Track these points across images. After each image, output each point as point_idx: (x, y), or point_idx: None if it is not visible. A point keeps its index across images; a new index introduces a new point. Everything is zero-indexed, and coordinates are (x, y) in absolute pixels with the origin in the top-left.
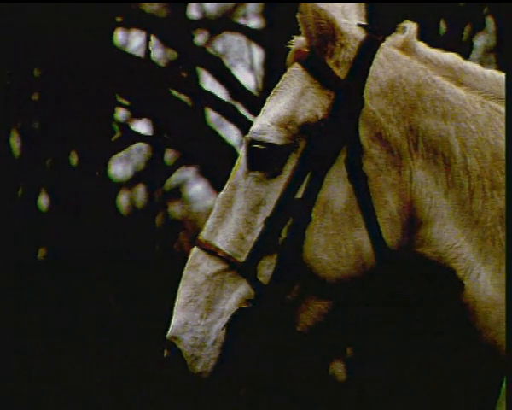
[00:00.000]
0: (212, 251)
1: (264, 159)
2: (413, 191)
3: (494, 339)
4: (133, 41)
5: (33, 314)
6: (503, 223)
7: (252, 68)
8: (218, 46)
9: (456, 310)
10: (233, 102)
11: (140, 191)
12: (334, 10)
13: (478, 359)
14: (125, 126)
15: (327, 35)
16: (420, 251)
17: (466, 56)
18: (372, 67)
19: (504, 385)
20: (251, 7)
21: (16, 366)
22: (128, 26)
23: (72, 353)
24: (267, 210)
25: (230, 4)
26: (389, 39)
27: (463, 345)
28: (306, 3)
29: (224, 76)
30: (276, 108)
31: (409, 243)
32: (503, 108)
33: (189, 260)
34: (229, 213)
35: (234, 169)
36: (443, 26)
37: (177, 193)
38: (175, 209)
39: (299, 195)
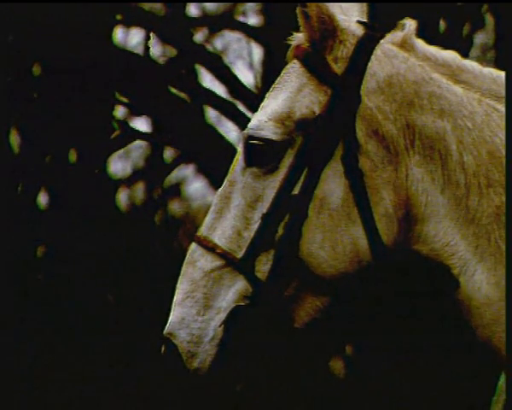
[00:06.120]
0: (210, 247)
1: (261, 155)
2: (409, 188)
3: (489, 337)
4: (132, 39)
5: (32, 312)
6: (498, 221)
7: (251, 66)
8: (218, 44)
9: (451, 308)
10: (232, 100)
11: (139, 189)
12: (334, 7)
13: (474, 356)
14: (124, 124)
15: (327, 30)
16: (416, 248)
17: (465, 54)
18: (370, 64)
19: (500, 383)
20: (250, 5)
21: (15, 364)
22: (127, 23)
23: (71, 351)
24: (264, 206)
25: (230, 2)
26: (388, 36)
27: (459, 343)
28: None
29: (224, 74)
30: (273, 104)
31: (405, 240)
32: (500, 106)
33: (187, 256)
34: (227, 210)
35: (232, 166)
36: (442, 24)
37: (176, 190)
38: (174, 207)
39: (296, 191)
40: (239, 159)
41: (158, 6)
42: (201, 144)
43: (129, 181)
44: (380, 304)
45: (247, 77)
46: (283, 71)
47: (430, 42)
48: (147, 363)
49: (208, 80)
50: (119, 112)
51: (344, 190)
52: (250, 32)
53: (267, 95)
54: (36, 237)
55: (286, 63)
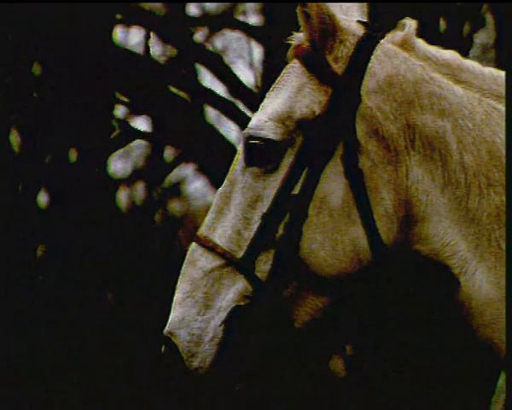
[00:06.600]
0: (210, 247)
1: (261, 154)
2: (409, 188)
3: (490, 336)
4: (132, 38)
5: (32, 312)
6: (498, 221)
7: (251, 65)
8: (218, 43)
9: (451, 307)
10: (232, 99)
11: (139, 188)
12: (334, 7)
13: (474, 356)
14: (124, 123)
15: (327, 30)
16: (416, 248)
17: (465, 54)
18: (370, 64)
19: (499, 383)
20: (250, 4)
21: (15, 364)
22: (127, 23)
23: (71, 350)
24: (264, 206)
25: (230, 2)
26: (388, 36)
27: (459, 342)
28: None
29: (224, 73)
30: (273, 104)
31: (405, 240)
32: (500, 106)
33: (187, 255)
34: (227, 209)
35: (232, 165)
36: (442, 24)
37: (176, 190)
38: (174, 206)
39: (296, 191)
40: (239, 158)
41: (158, 6)
42: (201, 144)
43: (129, 181)
44: (380, 304)
45: (247, 76)
46: (283, 71)
47: (430, 42)
48: (147, 363)
49: (208, 80)
50: (119, 111)
51: (344, 189)
52: (250, 31)
53: (267, 94)
54: (36, 237)
55: (286, 63)
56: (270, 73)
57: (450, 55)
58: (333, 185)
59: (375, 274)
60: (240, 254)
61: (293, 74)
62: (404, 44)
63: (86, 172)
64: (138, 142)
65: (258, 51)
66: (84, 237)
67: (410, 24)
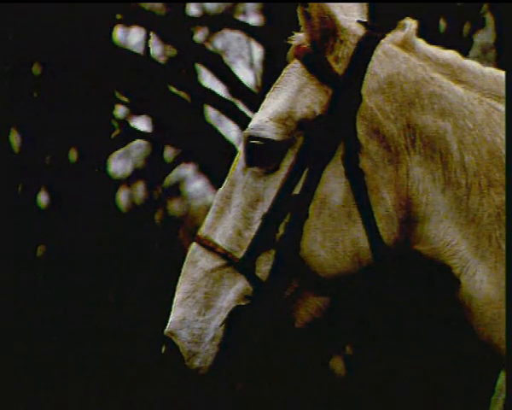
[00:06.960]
0: (210, 247)
1: (262, 155)
2: (410, 188)
3: (490, 336)
4: (133, 38)
5: (32, 311)
6: (499, 221)
7: (251, 65)
8: (218, 43)
9: (452, 307)
10: (232, 99)
11: (139, 188)
12: (335, 7)
13: (474, 356)
14: (124, 123)
15: (328, 30)
16: (416, 248)
17: (465, 54)
18: (370, 64)
19: (499, 383)
20: (250, 4)
21: (15, 364)
22: (127, 23)
23: (71, 350)
24: (265, 206)
25: (230, 2)
26: (389, 36)
27: (459, 342)
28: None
29: (224, 73)
30: (274, 104)
31: (405, 240)
32: (500, 106)
33: (187, 255)
34: (227, 210)
35: (233, 165)
36: (442, 24)
37: (176, 190)
38: (174, 206)
39: (297, 191)
40: (240, 159)
41: (158, 6)
42: (201, 144)
43: (129, 180)
44: (380, 304)
45: (247, 76)
46: (284, 71)
47: (430, 42)
48: (147, 363)
49: (208, 80)
50: (120, 111)
51: (345, 189)
52: (250, 31)
53: (268, 95)
54: (36, 237)
55: (286, 63)
56: (270, 73)
57: (451, 55)
58: (333, 185)
59: (375, 274)
60: (240, 254)
61: (293, 74)
62: (405, 44)
63: (86, 172)
64: (138, 142)
65: (258, 51)
66: (84, 237)
67: (410, 24)
